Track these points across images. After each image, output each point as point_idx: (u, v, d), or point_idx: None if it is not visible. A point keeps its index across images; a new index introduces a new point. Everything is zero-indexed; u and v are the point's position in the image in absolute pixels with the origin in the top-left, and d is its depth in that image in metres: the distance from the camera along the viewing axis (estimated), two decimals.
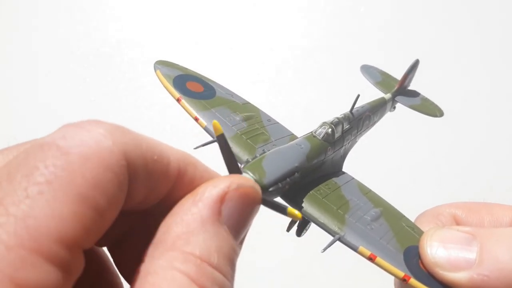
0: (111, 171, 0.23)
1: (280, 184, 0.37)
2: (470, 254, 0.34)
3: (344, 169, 0.48)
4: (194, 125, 0.46)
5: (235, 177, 0.28)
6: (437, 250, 0.35)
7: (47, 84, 1.20)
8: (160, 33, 1.25)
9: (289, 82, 1.21)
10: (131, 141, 0.25)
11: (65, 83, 1.21)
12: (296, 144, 0.42)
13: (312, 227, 0.41)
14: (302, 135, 0.46)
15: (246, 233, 0.28)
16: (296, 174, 0.39)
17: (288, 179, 0.38)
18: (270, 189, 0.36)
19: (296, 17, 1.28)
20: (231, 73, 1.21)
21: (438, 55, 1.20)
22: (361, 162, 0.61)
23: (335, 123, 0.46)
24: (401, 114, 0.64)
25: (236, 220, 0.27)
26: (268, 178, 0.36)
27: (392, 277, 0.37)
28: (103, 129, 0.24)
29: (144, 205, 0.27)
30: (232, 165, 0.34)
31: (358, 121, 0.51)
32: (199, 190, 0.27)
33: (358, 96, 0.48)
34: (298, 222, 0.44)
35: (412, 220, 0.43)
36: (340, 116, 0.48)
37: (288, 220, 0.44)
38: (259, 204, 0.29)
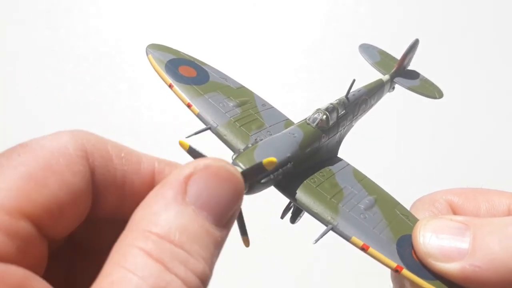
0: (66, 159, 0.26)
1: (272, 176, 0.36)
2: (463, 244, 0.34)
3: (339, 155, 0.47)
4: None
5: (205, 159, 0.27)
6: (430, 240, 0.35)
7: (47, 84, 1.20)
8: (160, 33, 1.25)
9: (289, 82, 1.21)
10: (94, 138, 0.27)
11: (65, 83, 1.21)
12: (289, 133, 0.41)
13: (306, 216, 0.41)
14: (296, 122, 0.45)
15: (232, 217, 0.27)
16: (289, 164, 0.38)
17: (280, 170, 0.37)
18: (262, 180, 0.36)
19: (296, 17, 1.28)
20: (230, 74, 1.21)
21: (440, 36, 1.20)
22: (357, 147, 0.61)
23: (329, 110, 0.44)
24: (400, 96, 0.63)
25: (207, 200, 0.25)
26: None
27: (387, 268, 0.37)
28: (66, 130, 0.27)
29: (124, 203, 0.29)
30: None
31: (354, 106, 0.50)
32: (169, 175, 0.27)
33: (354, 81, 0.47)
34: (292, 209, 0.43)
35: (408, 206, 0.42)
36: (335, 102, 0.46)
37: (281, 207, 0.44)
38: (237, 184, 0.27)
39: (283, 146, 0.39)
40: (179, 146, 0.33)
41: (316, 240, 0.36)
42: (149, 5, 1.28)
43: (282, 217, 0.44)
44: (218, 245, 0.26)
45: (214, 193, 0.26)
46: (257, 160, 0.35)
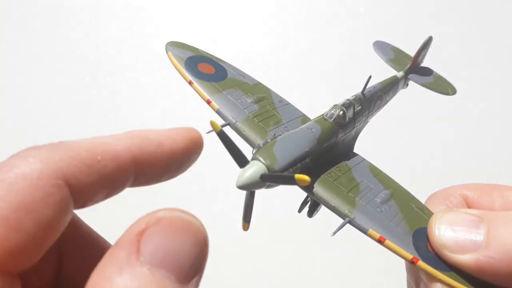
0: (41, 192, 0.24)
1: (291, 170, 0.38)
2: (478, 236, 0.34)
3: (355, 150, 0.48)
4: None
5: (159, 211, 0.25)
6: (445, 232, 0.35)
7: (47, 84, 1.20)
8: (160, 33, 1.25)
9: (289, 82, 1.21)
10: (66, 155, 0.26)
11: (65, 83, 1.21)
12: (307, 128, 0.42)
13: (323, 210, 0.42)
14: (313, 117, 0.46)
15: (199, 269, 0.25)
16: (307, 159, 0.39)
17: (299, 164, 0.38)
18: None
19: (295, 17, 1.28)
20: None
21: (452, 33, 1.20)
22: (373, 142, 0.61)
23: (346, 105, 0.45)
24: (415, 92, 0.63)
25: (164, 256, 0.23)
26: (279, 164, 0.37)
27: (402, 261, 0.37)
28: (36, 152, 0.25)
29: (116, 193, 0.29)
30: (239, 157, 0.36)
31: (369, 102, 0.51)
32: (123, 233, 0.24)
33: (370, 77, 0.48)
34: (309, 203, 0.44)
35: (423, 200, 0.43)
36: (351, 98, 0.47)
37: (299, 200, 0.45)
38: (196, 233, 0.25)
39: (302, 141, 0.40)
40: (210, 126, 0.34)
41: (334, 233, 0.37)
42: (149, 5, 1.28)
43: (299, 211, 0.45)
44: None
45: (171, 247, 0.24)
46: (276, 155, 0.37)
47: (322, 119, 0.44)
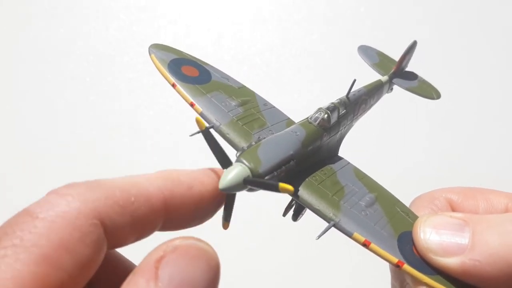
0: (79, 231, 0.24)
1: (275, 173, 0.37)
2: (462, 239, 0.34)
3: (340, 154, 0.48)
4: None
5: (175, 239, 0.26)
6: (430, 236, 0.35)
7: (47, 84, 1.20)
8: (161, 33, 1.25)
9: (289, 82, 1.21)
10: (102, 195, 0.26)
11: (65, 83, 1.21)
12: (292, 131, 0.42)
13: (308, 214, 0.42)
14: (298, 121, 0.45)
15: None
16: (292, 162, 0.39)
17: (283, 167, 0.38)
18: (266, 177, 0.36)
19: (295, 17, 1.28)
20: (231, 73, 1.21)
21: (438, 38, 1.20)
22: (357, 146, 0.61)
23: (330, 109, 0.45)
24: (399, 96, 0.63)
25: (180, 283, 0.24)
26: (263, 167, 0.36)
27: (387, 264, 0.37)
28: (74, 190, 0.26)
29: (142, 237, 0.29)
30: (222, 158, 0.35)
31: (354, 105, 0.51)
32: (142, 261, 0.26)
33: (355, 80, 0.47)
34: (293, 207, 0.44)
35: (408, 204, 0.43)
36: (336, 101, 0.47)
37: (283, 205, 0.44)
38: (209, 260, 0.26)
39: (286, 144, 0.40)
40: (195, 123, 0.34)
41: (319, 236, 0.37)
42: (149, 5, 1.28)
43: (284, 214, 0.45)
44: None
45: (187, 274, 0.25)
46: (261, 158, 0.37)
47: (306, 123, 0.44)
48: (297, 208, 0.44)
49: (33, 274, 0.23)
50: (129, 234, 0.28)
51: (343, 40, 1.23)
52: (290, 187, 0.32)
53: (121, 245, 0.28)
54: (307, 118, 0.45)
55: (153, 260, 0.25)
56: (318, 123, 0.44)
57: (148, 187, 0.29)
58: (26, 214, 0.24)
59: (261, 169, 0.36)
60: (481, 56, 1.21)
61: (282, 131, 0.42)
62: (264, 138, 0.40)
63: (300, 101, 1.17)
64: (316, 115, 0.44)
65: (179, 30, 1.25)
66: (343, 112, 0.47)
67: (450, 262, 0.34)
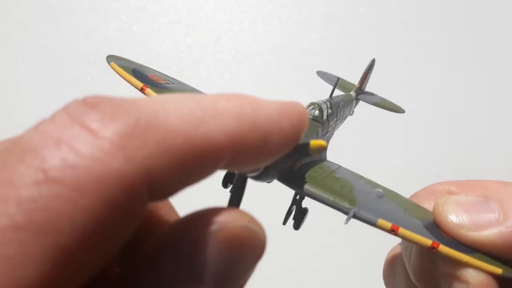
0: (117, 208, 0.15)
1: (286, 157, 0.34)
2: (492, 212, 0.32)
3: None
4: None
5: (218, 215, 0.19)
6: (458, 214, 0.33)
7: (47, 84, 1.20)
8: (161, 33, 1.25)
9: (289, 82, 1.21)
10: (157, 145, 0.16)
11: (65, 83, 1.21)
12: None
13: (309, 221, 0.40)
14: None
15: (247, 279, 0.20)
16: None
17: (292, 153, 0.34)
18: (271, 168, 0.33)
19: (295, 17, 1.28)
20: (231, 73, 1.21)
21: (440, 38, 1.20)
22: (342, 155, 0.61)
23: (320, 105, 0.44)
24: (365, 114, 0.63)
25: (221, 272, 0.18)
26: None
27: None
28: (113, 132, 0.16)
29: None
30: (235, 200, 0.29)
31: (336, 108, 0.49)
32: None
33: (338, 79, 0.46)
34: (293, 214, 0.41)
35: None
36: (325, 100, 0.46)
37: (282, 214, 0.41)
38: (261, 250, 0.20)
39: None
40: None
41: (347, 221, 0.33)
42: (149, 5, 1.28)
43: (284, 223, 0.42)
44: None
45: (231, 264, 0.19)
46: None
47: None
48: (297, 215, 0.41)
49: (40, 278, 0.14)
50: (176, 188, 0.18)
51: (343, 40, 1.23)
52: (323, 142, 0.27)
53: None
54: None
55: (188, 243, 0.18)
56: (313, 117, 0.42)
57: (217, 133, 0.18)
58: (35, 168, 0.15)
59: None
60: (482, 55, 1.22)
61: None
62: None
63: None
64: (309, 110, 0.43)
65: (179, 30, 1.25)
66: (330, 112, 0.46)
67: (486, 234, 0.31)
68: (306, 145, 0.26)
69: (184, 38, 1.24)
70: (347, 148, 1.04)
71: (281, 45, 1.24)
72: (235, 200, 0.29)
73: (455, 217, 0.33)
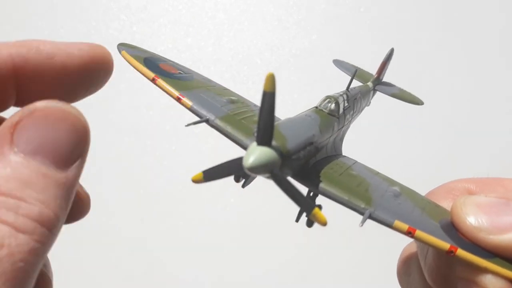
0: None
1: (301, 153, 0.33)
2: None
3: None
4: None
5: (34, 103, 0.25)
6: (477, 216, 0.31)
7: None
8: (161, 33, 1.25)
9: (289, 82, 1.21)
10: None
11: None
12: (306, 115, 0.38)
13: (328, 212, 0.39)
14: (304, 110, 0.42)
15: (79, 157, 0.26)
16: (313, 146, 0.35)
17: (307, 148, 0.34)
18: (293, 156, 0.32)
19: (295, 17, 1.28)
20: (231, 73, 1.21)
21: (440, 38, 1.20)
22: (358, 149, 0.60)
23: (338, 98, 0.42)
24: (383, 107, 0.62)
25: (40, 144, 0.24)
26: (290, 143, 0.32)
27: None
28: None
29: None
30: (268, 132, 0.29)
31: (353, 101, 0.48)
32: None
33: (356, 71, 0.45)
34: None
35: None
36: (341, 92, 0.45)
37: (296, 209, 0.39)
38: (74, 121, 0.26)
39: (306, 124, 0.36)
40: (266, 78, 0.29)
41: (362, 223, 0.32)
42: (149, 5, 1.28)
43: (297, 220, 0.40)
44: (62, 186, 0.25)
45: (47, 136, 0.24)
46: (284, 133, 0.31)
47: (317, 110, 0.40)
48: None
49: None
50: None
51: (343, 40, 1.23)
52: (324, 219, 0.27)
53: None
54: (316, 106, 0.41)
55: (7, 125, 0.24)
56: (329, 111, 0.41)
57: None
58: None
59: (289, 144, 0.32)
60: (483, 53, 1.22)
61: (294, 115, 0.38)
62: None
63: (300, 101, 1.17)
64: (325, 103, 0.41)
65: (179, 30, 1.26)
66: (346, 105, 0.44)
67: (507, 238, 0.30)
68: (311, 206, 0.28)
69: (184, 38, 1.24)
70: (364, 141, 1.04)
71: (281, 45, 1.24)
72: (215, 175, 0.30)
73: (474, 220, 0.31)
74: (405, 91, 0.66)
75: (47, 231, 0.23)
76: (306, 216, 0.29)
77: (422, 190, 0.41)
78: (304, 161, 0.34)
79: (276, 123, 0.33)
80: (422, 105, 0.63)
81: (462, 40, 1.22)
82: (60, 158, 0.25)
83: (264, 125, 0.29)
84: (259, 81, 1.21)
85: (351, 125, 0.50)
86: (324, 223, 0.28)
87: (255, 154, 0.29)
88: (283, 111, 0.49)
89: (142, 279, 1.09)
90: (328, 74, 1.22)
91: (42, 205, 0.24)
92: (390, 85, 0.65)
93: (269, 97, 0.28)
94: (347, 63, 0.72)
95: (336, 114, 0.41)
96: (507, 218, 0.31)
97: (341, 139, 0.45)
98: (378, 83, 0.61)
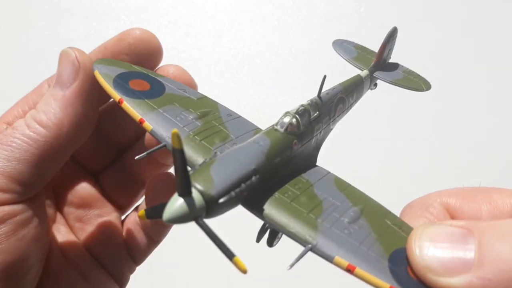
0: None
1: (233, 193, 0.32)
2: (468, 253, 0.28)
3: (319, 163, 0.42)
4: None
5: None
6: (428, 251, 0.29)
7: None
8: (161, 33, 1.24)
9: (289, 82, 1.21)
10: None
11: None
12: (254, 141, 0.37)
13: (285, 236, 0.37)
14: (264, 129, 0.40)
15: (74, 80, 0.41)
16: (254, 178, 0.34)
17: (243, 185, 0.33)
18: (221, 200, 0.31)
19: (295, 17, 1.28)
20: (231, 73, 1.21)
21: (440, 36, 1.20)
22: (338, 153, 0.56)
23: (300, 112, 0.40)
24: (381, 93, 0.58)
25: (57, 75, 0.42)
26: (216, 188, 0.31)
27: None
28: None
29: None
30: (184, 184, 0.30)
31: (329, 106, 0.45)
32: None
33: (325, 77, 0.42)
34: (269, 230, 0.38)
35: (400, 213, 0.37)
36: (306, 103, 0.42)
37: (257, 228, 0.39)
38: (69, 57, 0.42)
39: (246, 157, 0.35)
40: (171, 136, 0.30)
41: (291, 265, 0.31)
42: (149, 5, 1.28)
43: (257, 240, 0.39)
44: (60, 99, 0.40)
45: (59, 69, 0.42)
46: (213, 177, 0.32)
47: (272, 130, 0.39)
48: (272, 232, 0.38)
49: None
50: None
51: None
52: (244, 267, 0.28)
53: None
54: (273, 125, 0.39)
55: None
56: (286, 130, 0.38)
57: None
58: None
59: (214, 190, 0.31)
60: (482, 49, 1.21)
61: (243, 143, 0.37)
62: (221, 153, 0.35)
63: (300, 101, 1.17)
64: (283, 120, 0.39)
65: (179, 30, 1.25)
66: (315, 114, 0.42)
67: (454, 282, 0.27)
68: (231, 255, 0.29)
69: (184, 38, 1.24)
70: (352, 144, 1.03)
71: (281, 45, 1.24)
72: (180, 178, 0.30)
73: (424, 257, 0.29)
74: (412, 73, 0.60)
75: (42, 129, 0.39)
76: (229, 258, 0.29)
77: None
78: (246, 194, 0.34)
79: (213, 159, 0.33)
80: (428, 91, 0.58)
81: (474, 47, 1.22)
82: (62, 81, 0.41)
83: (180, 177, 0.30)
84: (259, 81, 1.21)
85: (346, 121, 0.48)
86: (243, 271, 0.28)
87: (171, 208, 0.30)
88: (284, 111, 0.48)
89: (138, 275, 1.09)
90: (328, 74, 1.22)
91: (44, 114, 0.40)
92: (394, 68, 0.60)
93: (178, 153, 0.29)
94: (349, 44, 0.67)
95: (296, 130, 0.39)
96: (458, 257, 0.28)
97: (316, 148, 0.44)
98: (377, 68, 0.57)
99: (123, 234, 0.51)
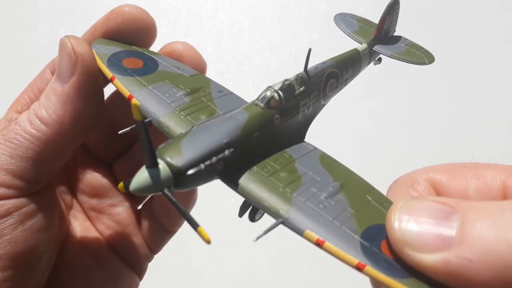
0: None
1: (202, 165, 0.32)
2: (449, 230, 0.26)
3: (308, 139, 0.42)
4: None
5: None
6: (407, 225, 0.27)
7: None
8: (160, 33, 1.24)
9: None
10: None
11: None
12: (231, 116, 0.37)
13: None
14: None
15: (71, 73, 0.40)
16: (227, 152, 0.34)
17: (214, 158, 0.33)
18: (189, 172, 0.32)
19: (295, 17, 1.28)
20: (231, 73, 1.21)
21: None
22: (330, 129, 0.54)
23: (284, 87, 0.39)
24: (377, 68, 0.56)
25: (57, 67, 0.41)
26: (184, 159, 0.32)
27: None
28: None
29: None
30: (149, 156, 0.31)
31: (317, 81, 0.44)
32: None
33: (310, 50, 0.42)
34: (251, 205, 0.38)
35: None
36: (291, 78, 0.41)
37: (238, 204, 0.39)
38: (67, 48, 0.41)
39: (219, 131, 0.35)
40: (132, 108, 0.30)
41: (258, 237, 0.31)
42: (148, 5, 1.28)
43: (240, 215, 0.39)
44: (59, 95, 0.39)
45: (58, 61, 0.41)
46: (183, 150, 0.32)
47: (252, 105, 0.38)
48: (254, 207, 0.38)
49: None
50: None
51: (343, 40, 1.23)
52: (207, 237, 0.28)
53: None
54: (254, 100, 0.39)
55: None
56: (266, 104, 0.38)
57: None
58: None
59: (181, 161, 0.32)
60: (480, 30, 1.21)
61: (220, 117, 0.37)
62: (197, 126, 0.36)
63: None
64: (263, 94, 0.39)
65: (179, 30, 1.26)
66: (300, 89, 0.41)
67: (430, 259, 0.26)
68: (195, 225, 0.29)
69: (184, 38, 1.24)
70: (345, 120, 1.03)
71: (281, 45, 1.24)
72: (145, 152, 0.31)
73: (403, 230, 0.28)
74: (415, 46, 0.58)
75: (43, 126, 0.39)
76: (194, 229, 0.30)
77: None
78: (221, 168, 0.34)
79: (186, 133, 0.34)
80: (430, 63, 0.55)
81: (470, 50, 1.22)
82: (61, 74, 0.40)
83: (145, 149, 0.30)
84: (259, 81, 1.21)
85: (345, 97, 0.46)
86: (207, 241, 0.29)
87: (137, 179, 0.31)
88: None
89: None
90: None
91: (43, 108, 0.39)
92: (396, 41, 0.58)
93: (140, 124, 0.30)
94: (351, 18, 0.64)
95: (279, 105, 0.39)
96: (439, 233, 0.27)
97: (304, 124, 0.43)
98: (378, 42, 0.55)
99: (139, 223, 0.51)
